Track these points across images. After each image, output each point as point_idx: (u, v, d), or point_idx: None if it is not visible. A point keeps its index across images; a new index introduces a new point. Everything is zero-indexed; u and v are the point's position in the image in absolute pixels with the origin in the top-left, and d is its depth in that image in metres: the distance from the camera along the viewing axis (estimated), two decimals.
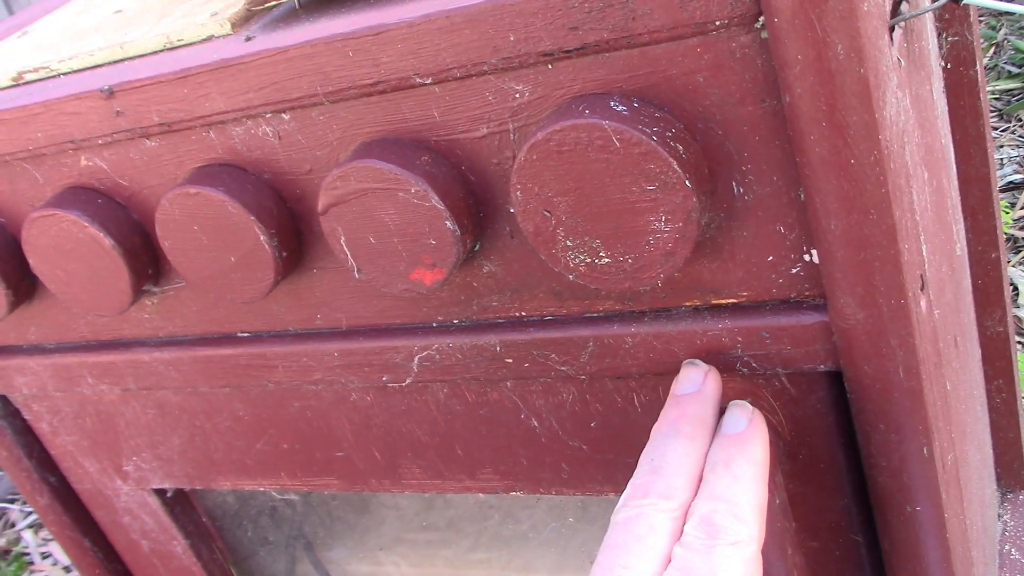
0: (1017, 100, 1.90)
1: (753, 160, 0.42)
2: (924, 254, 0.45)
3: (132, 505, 0.74)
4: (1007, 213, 1.56)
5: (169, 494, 0.73)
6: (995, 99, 1.91)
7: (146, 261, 0.57)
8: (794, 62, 0.37)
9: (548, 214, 0.44)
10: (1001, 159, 1.72)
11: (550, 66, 0.42)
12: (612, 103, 0.41)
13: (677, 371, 0.48)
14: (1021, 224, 1.55)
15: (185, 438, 0.67)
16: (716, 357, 0.47)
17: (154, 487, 0.72)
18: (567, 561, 0.73)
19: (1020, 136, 1.74)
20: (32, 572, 1.70)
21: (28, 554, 1.74)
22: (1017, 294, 1.44)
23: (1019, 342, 1.29)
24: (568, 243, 0.44)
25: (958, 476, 0.50)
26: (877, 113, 0.38)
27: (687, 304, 0.47)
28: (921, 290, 0.44)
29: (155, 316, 0.61)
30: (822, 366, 0.45)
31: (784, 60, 0.37)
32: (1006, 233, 1.56)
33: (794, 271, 0.44)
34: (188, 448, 0.68)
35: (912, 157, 0.44)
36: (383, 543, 0.78)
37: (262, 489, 0.68)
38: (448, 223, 0.46)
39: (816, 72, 0.37)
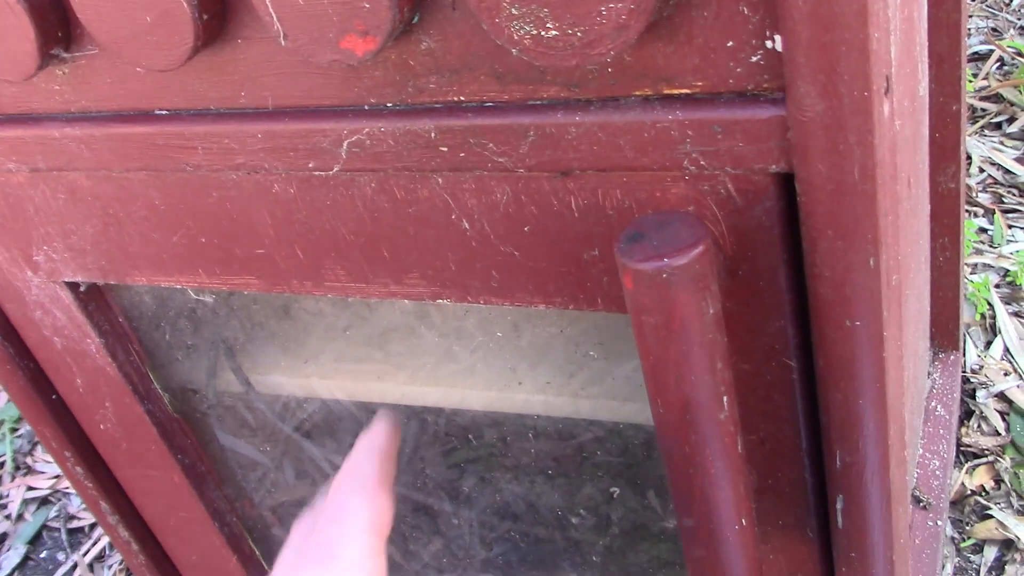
0: None
1: None
2: (892, 57, 0.42)
3: (43, 299, 0.71)
4: (970, 83, 1.53)
5: (82, 288, 0.69)
6: None
7: (55, 21, 0.52)
8: None
9: None
10: (969, 29, 1.68)
11: None
12: None
13: (620, 167, 0.45)
14: (982, 94, 1.52)
15: (98, 228, 0.63)
16: (663, 152, 0.44)
17: (66, 280, 0.68)
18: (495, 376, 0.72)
19: (990, 6, 1.70)
20: None
21: None
22: (970, 163, 1.42)
23: (966, 210, 1.28)
24: (513, 11, 0.40)
25: (900, 301, 0.48)
26: None
27: (637, 93, 0.44)
28: (885, 94, 0.41)
29: (66, 87, 0.57)
30: (773, 166, 0.43)
31: None
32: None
33: (754, 59, 0.41)
34: (101, 239, 0.64)
35: None
36: (308, 354, 0.76)
37: (179, 287, 0.64)
38: None
39: None
